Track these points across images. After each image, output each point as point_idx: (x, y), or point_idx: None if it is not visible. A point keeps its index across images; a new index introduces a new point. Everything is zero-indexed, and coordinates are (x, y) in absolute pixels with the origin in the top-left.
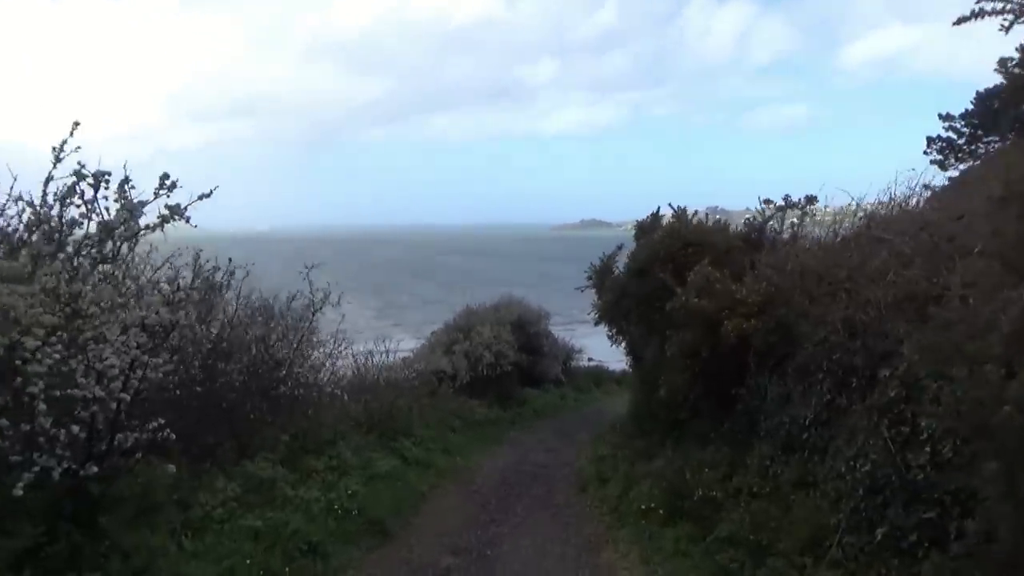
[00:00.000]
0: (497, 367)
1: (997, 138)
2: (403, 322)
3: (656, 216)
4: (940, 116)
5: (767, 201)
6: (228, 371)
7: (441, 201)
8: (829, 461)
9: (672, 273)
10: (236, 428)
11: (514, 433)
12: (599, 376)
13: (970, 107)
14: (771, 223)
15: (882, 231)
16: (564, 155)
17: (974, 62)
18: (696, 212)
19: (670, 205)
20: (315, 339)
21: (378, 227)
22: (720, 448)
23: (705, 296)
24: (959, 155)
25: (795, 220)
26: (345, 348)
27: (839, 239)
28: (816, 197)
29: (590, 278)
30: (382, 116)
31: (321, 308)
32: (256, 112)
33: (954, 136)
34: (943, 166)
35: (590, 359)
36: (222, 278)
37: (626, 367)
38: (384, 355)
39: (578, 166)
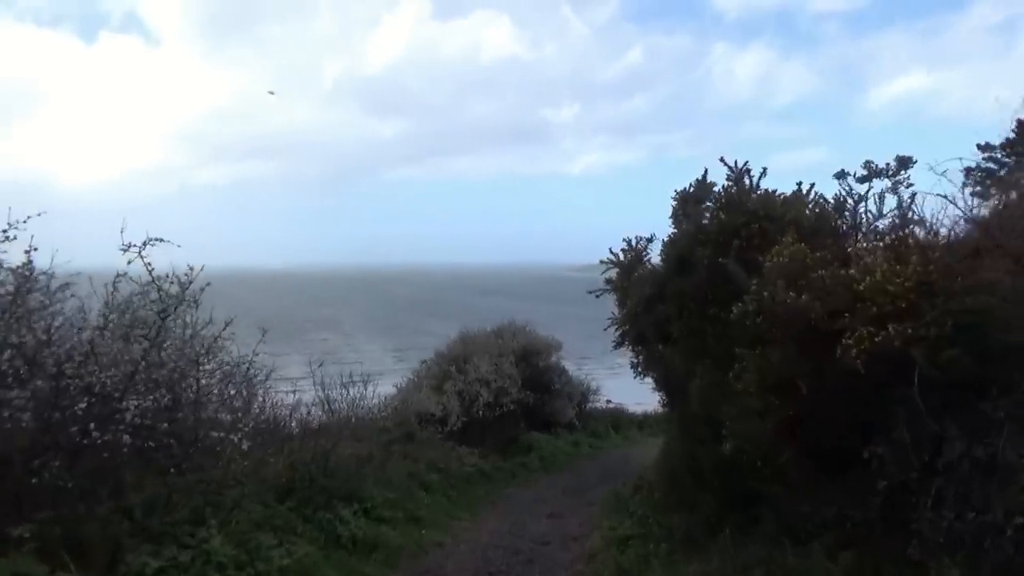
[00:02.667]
0: (497, 407)
1: None
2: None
3: (703, 183)
4: (979, 146)
5: (840, 174)
6: (11, 401)
7: (460, 240)
8: None
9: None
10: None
11: (513, 489)
12: (618, 420)
13: (1011, 135)
14: (863, 204)
15: None
16: (584, 196)
17: (998, 105)
18: (764, 171)
19: (723, 160)
20: (206, 365)
21: (395, 265)
22: (836, 553)
23: (801, 289)
24: (1002, 184)
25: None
26: (266, 381)
27: None
28: (911, 159)
29: (608, 281)
30: (403, 156)
31: (176, 309)
32: (277, 152)
33: (994, 166)
34: (984, 196)
35: (608, 400)
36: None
37: (657, 407)
38: (359, 394)
39: (597, 207)
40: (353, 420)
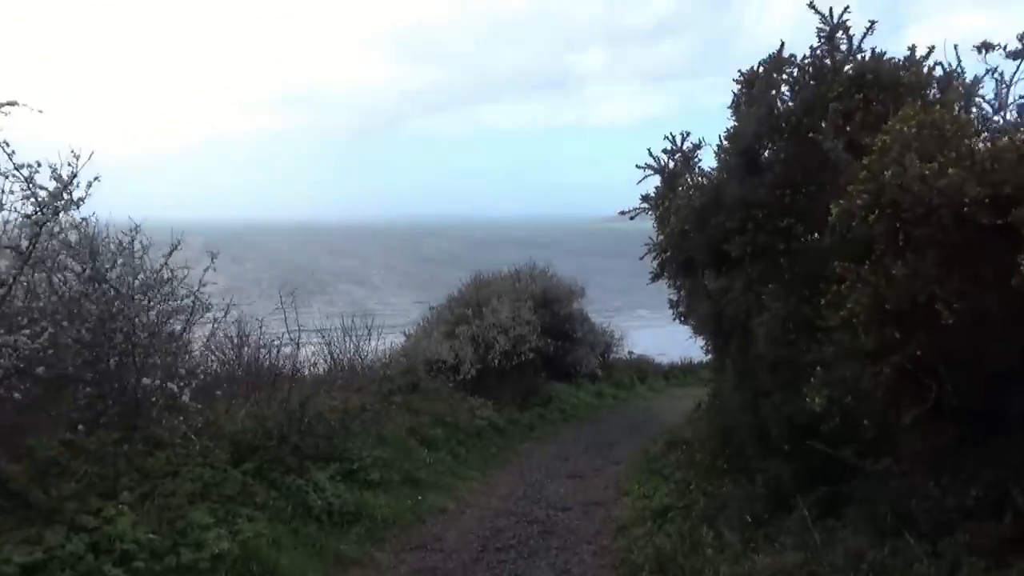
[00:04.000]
0: (515, 355)
1: None
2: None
3: (779, 57)
4: None
5: (985, 46)
6: None
7: (485, 192)
8: None
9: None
10: None
11: (530, 444)
12: (643, 370)
13: None
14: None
15: None
16: (610, 146)
17: None
18: (871, 25)
19: (812, 6)
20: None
21: (423, 216)
22: (1006, 558)
23: (944, 167)
24: None
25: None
26: (225, 317)
27: None
28: None
29: (645, 198)
30: (430, 106)
31: (56, 215)
32: (306, 103)
33: None
34: None
35: (630, 352)
36: None
37: (686, 357)
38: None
39: (624, 157)
40: (359, 370)
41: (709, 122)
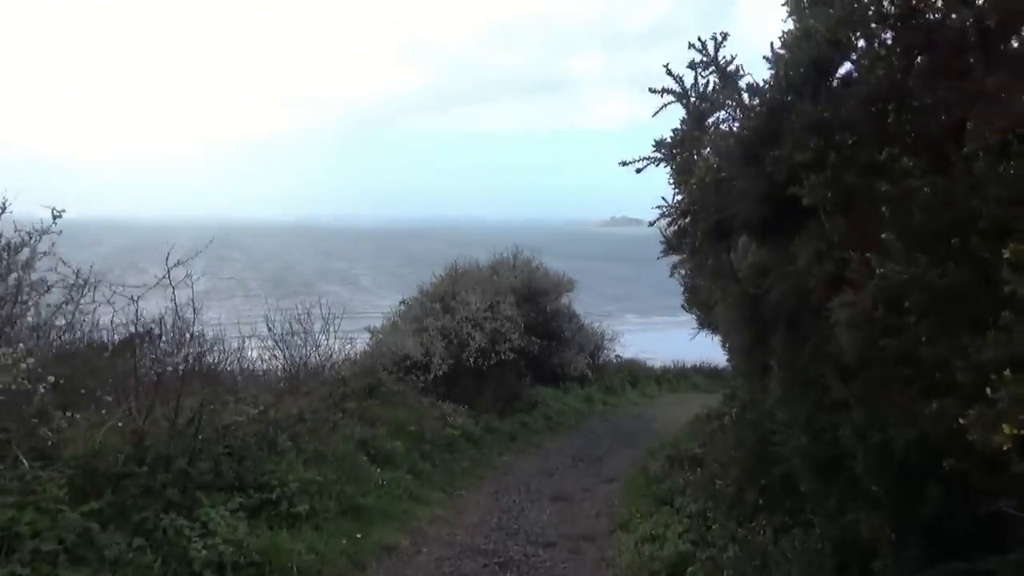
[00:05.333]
0: (493, 354)
1: None
2: None
3: None
4: None
5: None
6: None
7: (475, 195)
8: None
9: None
10: None
11: (509, 457)
12: (634, 374)
13: None
14: None
15: None
16: (604, 150)
17: None
18: None
19: None
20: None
21: (416, 219)
22: None
23: None
24: None
25: None
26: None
27: None
28: None
29: (659, 144)
30: (423, 107)
31: None
32: (298, 104)
33: None
34: None
35: (617, 356)
36: None
37: (677, 360)
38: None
39: (615, 161)
40: (318, 372)
41: None
